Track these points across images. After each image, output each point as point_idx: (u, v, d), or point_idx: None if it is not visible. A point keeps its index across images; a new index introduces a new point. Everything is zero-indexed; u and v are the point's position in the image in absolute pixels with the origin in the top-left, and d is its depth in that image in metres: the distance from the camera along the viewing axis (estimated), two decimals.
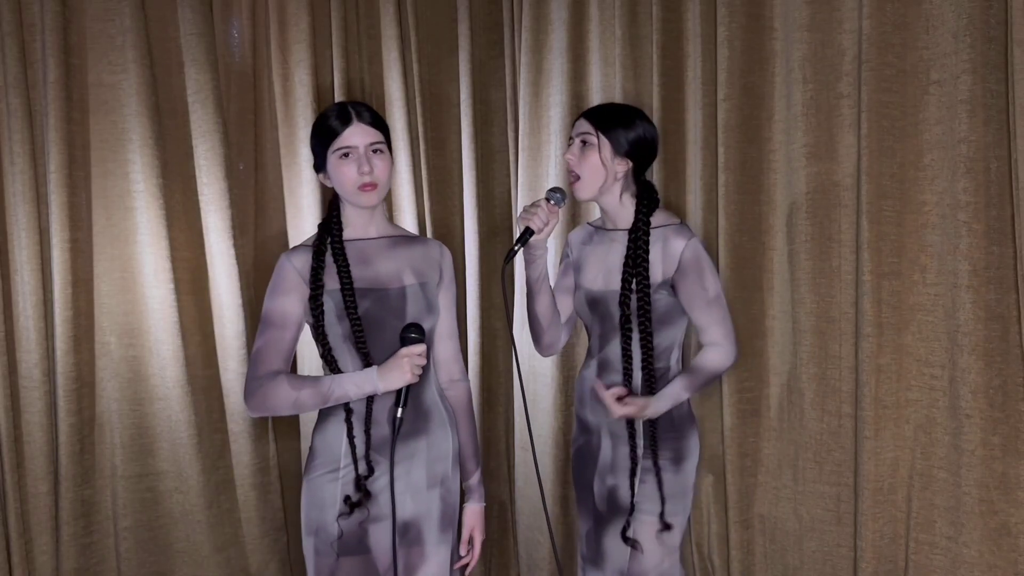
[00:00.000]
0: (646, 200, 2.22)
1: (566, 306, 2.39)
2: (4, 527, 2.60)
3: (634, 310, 2.17)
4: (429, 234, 3.21)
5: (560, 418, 3.10)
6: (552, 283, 2.40)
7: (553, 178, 3.09)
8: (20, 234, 2.60)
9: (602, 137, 2.19)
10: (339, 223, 2.07)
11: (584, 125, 2.23)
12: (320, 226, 2.08)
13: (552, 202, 2.20)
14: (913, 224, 2.41)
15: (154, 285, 2.78)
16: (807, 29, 2.50)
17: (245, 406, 2.04)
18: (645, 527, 2.21)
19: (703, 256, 2.18)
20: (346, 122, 2.01)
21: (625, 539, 2.22)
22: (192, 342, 2.84)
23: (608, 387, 2.19)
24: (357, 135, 2.01)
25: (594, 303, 2.27)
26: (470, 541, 2.24)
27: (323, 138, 2.03)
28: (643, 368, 2.18)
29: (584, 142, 2.21)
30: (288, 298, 2.03)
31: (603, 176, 2.20)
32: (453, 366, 2.23)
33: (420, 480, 2.08)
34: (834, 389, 2.55)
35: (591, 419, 2.32)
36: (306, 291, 2.02)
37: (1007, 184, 2.23)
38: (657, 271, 2.17)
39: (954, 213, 2.29)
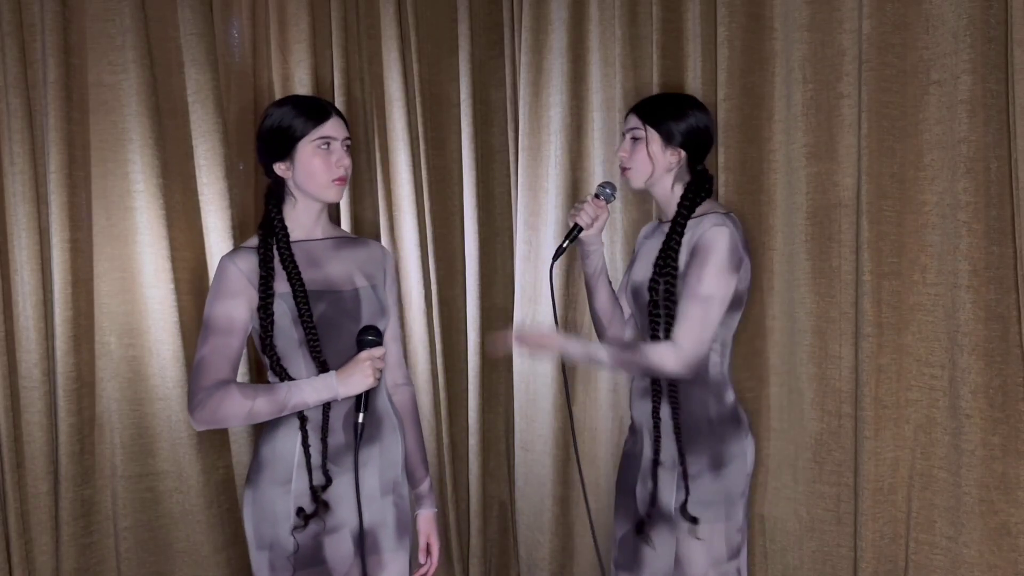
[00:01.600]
0: (694, 189, 2.18)
1: (627, 302, 2.37)
2: (4, 527, 2.60)
3: (662, 297, 2.12)
4: (429, 234, 3.21)
5: (560, 418, 3.10)
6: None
7: (553, 178, 3.09)
8: (20, 234, 2.60)
9: (650, 130, 2.17)
10: (282, 223, 1.99)
11: (633, 120, 2.21)
12: (262, 227, 1.99)
13: (601, 198, 2.20)
14: (913, 224, 2.41)
15: (154, 285, 2.78)
16: (807, 29, 2.50)
17: (190, 419, 1.92)
18: (686, 536, 2.14)
19: (718, 248, 2.06)
20: (326, 114, 1.98)
21: (639, 533, 2.18)
22: (192, 342, 2.83)
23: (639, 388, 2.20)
24: (336, 128, 1.98)
25: (636, 293, 2.24)
26: (427, 549, 2.19)
27: (299, 126, 1.96)
28: None
29: (634, 138, 2.20)
30: (234, 302, 1.93)
31: (651, 167, 2.18)
32: (397, 370, 2.19)
33: (374, 487, 2.02)
34: (834, 389, 2.55)
35: (635, 417, 2.27)
36: (253, 295, 1.93)
37: (1007, 184, 2.23)
38: (683, 258, 2.12)
39: (954, 213, 2.29)
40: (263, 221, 2.01)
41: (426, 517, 2.19)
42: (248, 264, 1.95)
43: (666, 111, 2.18)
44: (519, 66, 3.18)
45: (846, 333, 2.52)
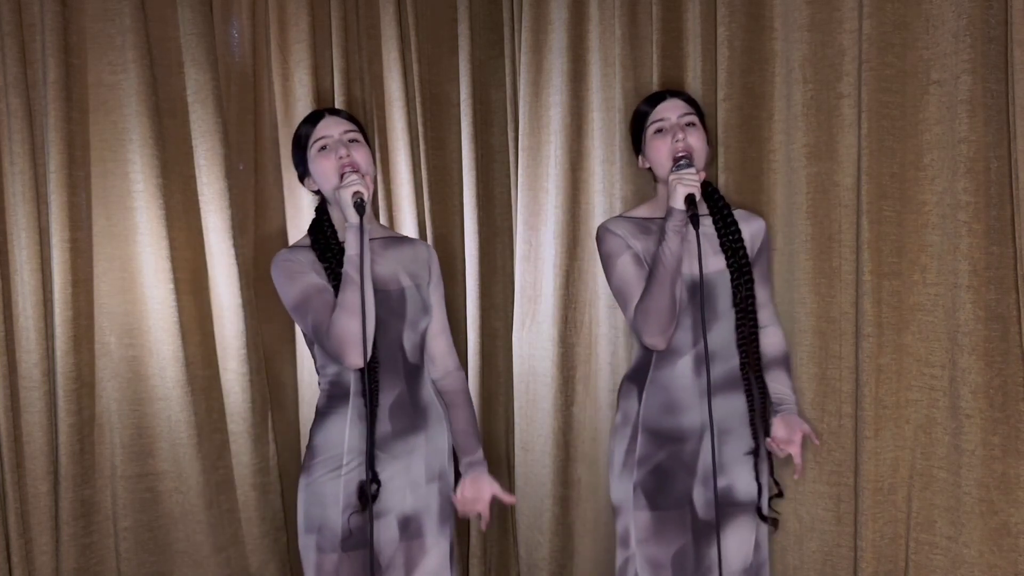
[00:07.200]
0: (715, 187, 2.33)
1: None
2: (4, 527, 2.60)
3: (745, 288, 2.26)
4: (429, 234, 3.21)
5: (560, 418, 3.10)
6: (619, 280, 2.30)
7: (553, 178, 3.09)
8: (20, 234, 2.60)
9: (700, 122, 2.30)
10: (331, 223, 2.08)
11: (682, 106, 2.30)
12: (311, 231, 2.10)
13: (694, 168, 2.22)
14: (913, 224, 2.41)
15: (154, 285, 2.78)
16: (807, 29, 2.50)
17: (347, 364, 1.99)
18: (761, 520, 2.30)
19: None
20: (318, 116, 2.13)
21: (763, 518, 2.30)
22: (192, 342, 2.84)
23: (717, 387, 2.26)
24: (330, 127, 2.15)
25: (695, 289, 2.22)
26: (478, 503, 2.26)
27: (302, 134, 2.16)
28: (747, 349, 2.27)
29: (689, 123, 2.28)
30: (310, 274, 2.03)
31: (710, 153, 2.30)
32: (448, 360, 2.29)
33: (419, 475, 2.11)
34: (834, 389, 2.55)
35: (687, 424, 2.25)
36: (323, 274, 2.03)
37: (1007, 184, 2.23)
38: (750, 250, 2.32)
39: (954, 213, 2.29)
40: (312, 225, 2.11)
41: (472, 478, 2.24)
42: (306, 257, 2.06)
43: (701, 109, 2.32)
44: (519, 66, 3.18)
45: (846, 333, 2.52)
